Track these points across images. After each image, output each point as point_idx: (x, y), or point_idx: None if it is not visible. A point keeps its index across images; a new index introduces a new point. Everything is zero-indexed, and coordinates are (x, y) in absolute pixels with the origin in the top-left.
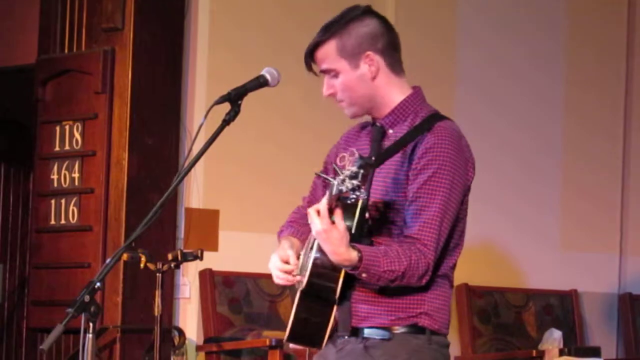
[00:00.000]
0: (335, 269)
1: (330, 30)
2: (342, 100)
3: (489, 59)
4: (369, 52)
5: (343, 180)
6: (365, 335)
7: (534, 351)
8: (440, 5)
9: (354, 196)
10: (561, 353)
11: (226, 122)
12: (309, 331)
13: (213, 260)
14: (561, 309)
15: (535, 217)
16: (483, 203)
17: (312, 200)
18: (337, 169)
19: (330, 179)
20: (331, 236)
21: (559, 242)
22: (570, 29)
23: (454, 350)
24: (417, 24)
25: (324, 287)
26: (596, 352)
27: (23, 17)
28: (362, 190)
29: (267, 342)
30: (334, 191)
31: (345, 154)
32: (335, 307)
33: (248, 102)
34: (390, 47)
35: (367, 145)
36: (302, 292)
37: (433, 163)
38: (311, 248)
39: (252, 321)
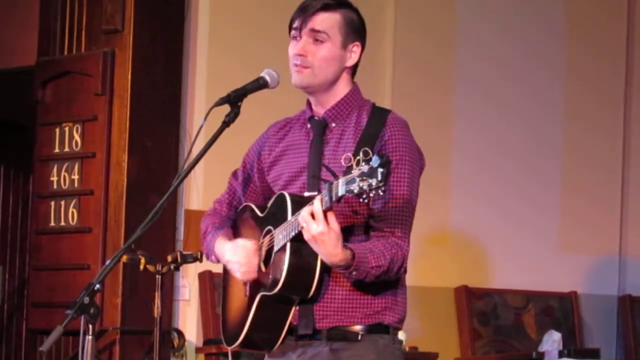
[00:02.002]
0: (310, 270)
1: (341, 4)
2: (309, 66)
3: (488, 60)
4: (358, 43)
5: (351, 181)
6: (330, 337)
7: (534, 353)
8: (440, 6)
9: (371, 195)
10: (561, 355)
11: (226, 123)
12: (264, 335)
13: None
14: (561, 310)
15: (534, 218)
16: (482, 204)
17: (233, 202)
18: (330, 171)
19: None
20: (329, 238)
21: (558, 243)
22: (569, 30)
23: (454, 352)
24: (416, 25)
25: (295, 291)
26: (596, 353)
27: (23, 18)
28: (383, 189)
29: None
30: (340, 191)
31: (349, 154)
32: (294, 306)
33: (248, 104)
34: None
35: (304, 139)
36: (267, 295)
37: (393, 155)
38: (276, 251)
39: None
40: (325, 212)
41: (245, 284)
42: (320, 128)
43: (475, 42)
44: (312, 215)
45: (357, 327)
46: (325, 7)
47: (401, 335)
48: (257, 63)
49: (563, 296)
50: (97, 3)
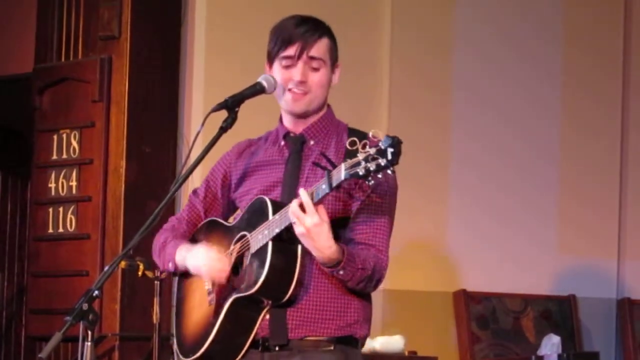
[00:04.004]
0: (290, 271)
1: (327, 28)
2: (309, 92)
3: (486, 65)
4: (339, 63)
5: (355, 164)
6: (302, 348)
7: (533, 356)
8: (437, 10)
9: (379, 176)
10: (560, 358)
11: (223, 129)
12: (227, 346)
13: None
14: (559, 314)
15: (533, 222)
16: (480, 208)
17: (193, 219)
18: (328, 159)
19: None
20: (322, 231)
21: (557, 247)
22: (567, 35)
23: (453, 356)
24: (413, 30)
25: (273, 292)
26: (595, 357)
27: (20, 25)
28: (392, 169)
29: None
30: (343, 176)
31: (354, 138)
32: (263, 315)
33: (245, 109)
34: None
35: (278, 155)
36: (240, 297)
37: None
38: (254, 252)
39: None
40: (315, 205)
41: (209, 292)
42: (298, 145)
43: (473, 47)
44: (302, 208)
45: (330, 339)
46: (321, 35)
47: (400, 339)
48: (255, 68)
49: (562, 300)
50: (94, 9)
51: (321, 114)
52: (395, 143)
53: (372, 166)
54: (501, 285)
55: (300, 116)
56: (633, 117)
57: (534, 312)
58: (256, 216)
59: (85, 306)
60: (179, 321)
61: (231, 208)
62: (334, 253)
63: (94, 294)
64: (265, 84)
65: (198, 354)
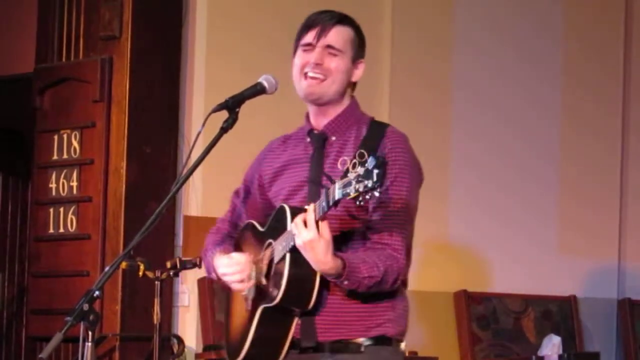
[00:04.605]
0: (310, 281)
1: (350, 20)
2: (325, 75)
3: (486, 65)
4: (363, 61)
5: (347, 184)
6: (334, 350)
7: (533, 357)
8: (437, 10)
9: (367, 197)
10: (560, 359)
11: (224, 129)
12: (266, 350)
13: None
14: (560, 314)
15: (533, 222)
16: (481, 209)
17: (234, 219)
18: (328, 177)
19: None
20: (318, 246)
21: (557, 247)
22: (567, 35)
23: (453, 356)
24: (413, 30)
25: (295, 302)
26: (595, 357)
27: (20, 25)
28: (379, 190)
29: None
30: (337, 195)
31: (345, 158)
32: (296, 319)
33: (246, 110)
34: None
35: (304, 153)
36: (268, 307)
37: (393, 168)
38: (277, 263)
39: None
40: (317, 221)
41: (246, 298)
42: (320, 141)
43: (473, 47)
44: (305, 222)
45: (360, 340)
46: (341, 22)
47: None
48: (256, 69)
49: (562, 300)
50: (95, 9)
51: (343, 107)
52: (381, 163)
53: (360, 187)
54: (501, 285)
55: (319, 105)
56: (633, 117)
57: (535, 313)
58: (279, 224)
59: (85, 306)
60: (227, 325)
61: (270, 207)
62: (331, 269)
63: (95, 295)
64: (265, 84)
65: (239, 358)
